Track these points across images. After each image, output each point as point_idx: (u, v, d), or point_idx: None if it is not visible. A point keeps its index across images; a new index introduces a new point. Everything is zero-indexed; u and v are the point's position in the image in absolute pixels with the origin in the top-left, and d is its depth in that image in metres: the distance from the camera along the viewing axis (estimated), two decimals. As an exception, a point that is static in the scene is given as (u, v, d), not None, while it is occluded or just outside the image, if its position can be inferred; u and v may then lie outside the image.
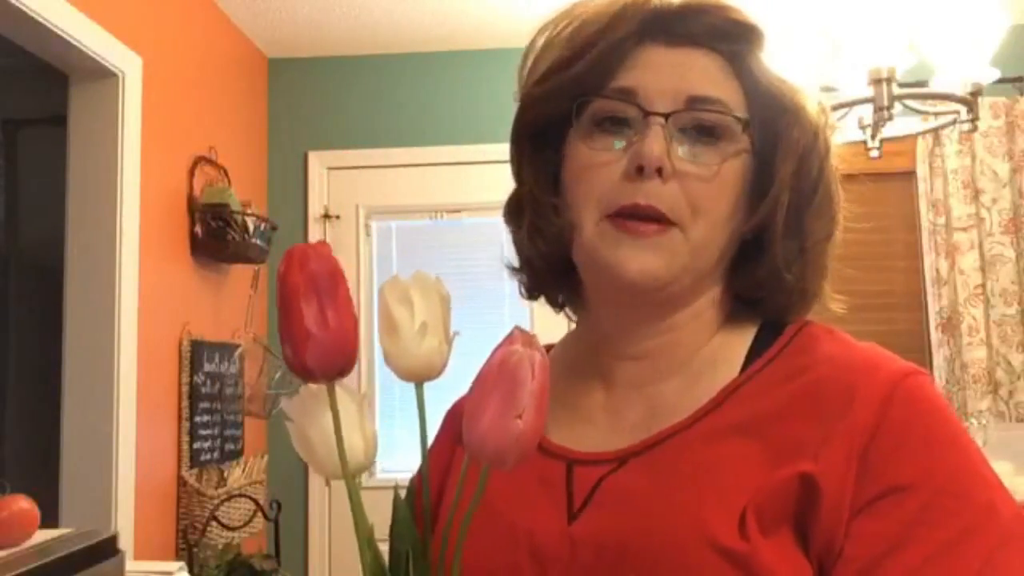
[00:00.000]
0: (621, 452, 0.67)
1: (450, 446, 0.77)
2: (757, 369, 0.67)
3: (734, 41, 0.68)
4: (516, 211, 0.75)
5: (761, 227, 0.68)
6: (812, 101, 0.70)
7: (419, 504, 0.56)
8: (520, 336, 0.53)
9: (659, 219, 0.65)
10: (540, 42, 0.73)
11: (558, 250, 0.72)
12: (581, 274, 0.72)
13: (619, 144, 0.67)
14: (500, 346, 0.53)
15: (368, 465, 0.55)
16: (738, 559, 0.58)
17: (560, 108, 0.69)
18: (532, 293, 0.78)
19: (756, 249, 0.69)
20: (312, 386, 0.54)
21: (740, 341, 0.71)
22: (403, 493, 0.57)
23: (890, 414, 0.60)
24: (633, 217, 0.65)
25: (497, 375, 0.52)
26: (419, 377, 0.56)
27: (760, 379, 0.67)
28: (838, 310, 0.73)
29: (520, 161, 0.74)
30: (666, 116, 0.65)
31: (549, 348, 0.80)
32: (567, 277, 0.74)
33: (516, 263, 0.77)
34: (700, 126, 0.66)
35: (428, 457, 0.79)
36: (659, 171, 0.64)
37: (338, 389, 0.54)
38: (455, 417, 0.65)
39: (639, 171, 0.64)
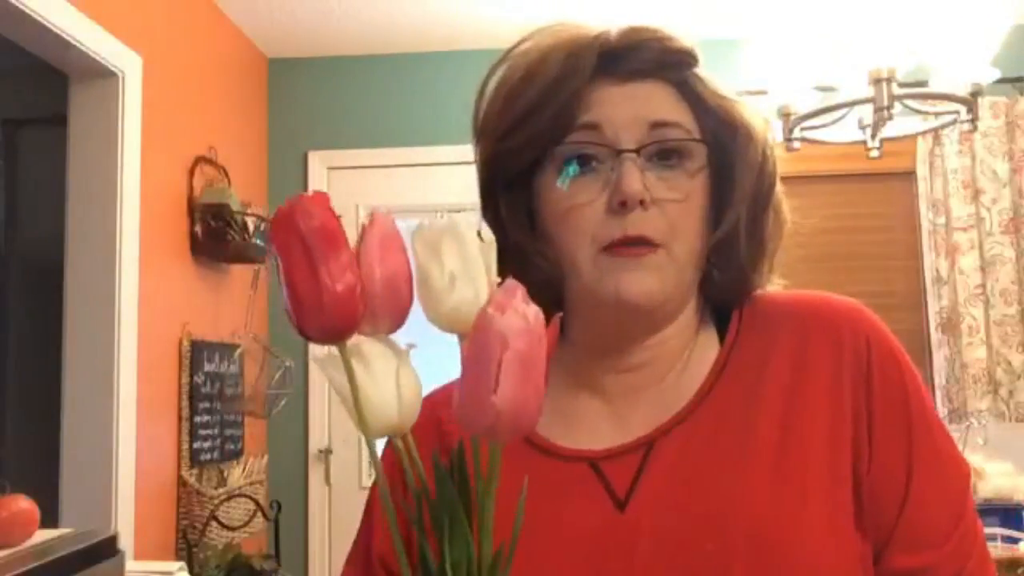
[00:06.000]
0: (641, 440, 0.72)
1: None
2: (732, 341, 0.76)
3: (678, 69, 0.75)
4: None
5: (727, 235, 0.74)
6: (756, 114, 0.77)
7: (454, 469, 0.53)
8: (498, 296, 0.48)
9: (647, 243, 0.71)
10: (491, 87, 0.77)
11: (545, 292, 0.73)
12: (571, 306, 0.76)
13: (595, 182, 0.72)
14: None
15: (404, 425, 0.52)
16: (817, 513, 0.66)
17: (531, 156, 0.74)
18: None
19: (721, 257, 0.75)
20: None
21: (710, 328, 0.79)
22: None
23: (872, 345, 0.72)
24: (623, 245, 0.71)
25: (470, 348, 0.48)
26: (455, 329, 0.54)
27: (740, 347, 0.75)
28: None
29: (496, 211, 0.77)
30: (636, 151, 0.71)
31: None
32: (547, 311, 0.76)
33: None
34: (665, 153, 0.72)
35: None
36: (641, 203, 0.70)
37: (373, 344, 0.52)
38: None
39: (622, 205, 0.70)
